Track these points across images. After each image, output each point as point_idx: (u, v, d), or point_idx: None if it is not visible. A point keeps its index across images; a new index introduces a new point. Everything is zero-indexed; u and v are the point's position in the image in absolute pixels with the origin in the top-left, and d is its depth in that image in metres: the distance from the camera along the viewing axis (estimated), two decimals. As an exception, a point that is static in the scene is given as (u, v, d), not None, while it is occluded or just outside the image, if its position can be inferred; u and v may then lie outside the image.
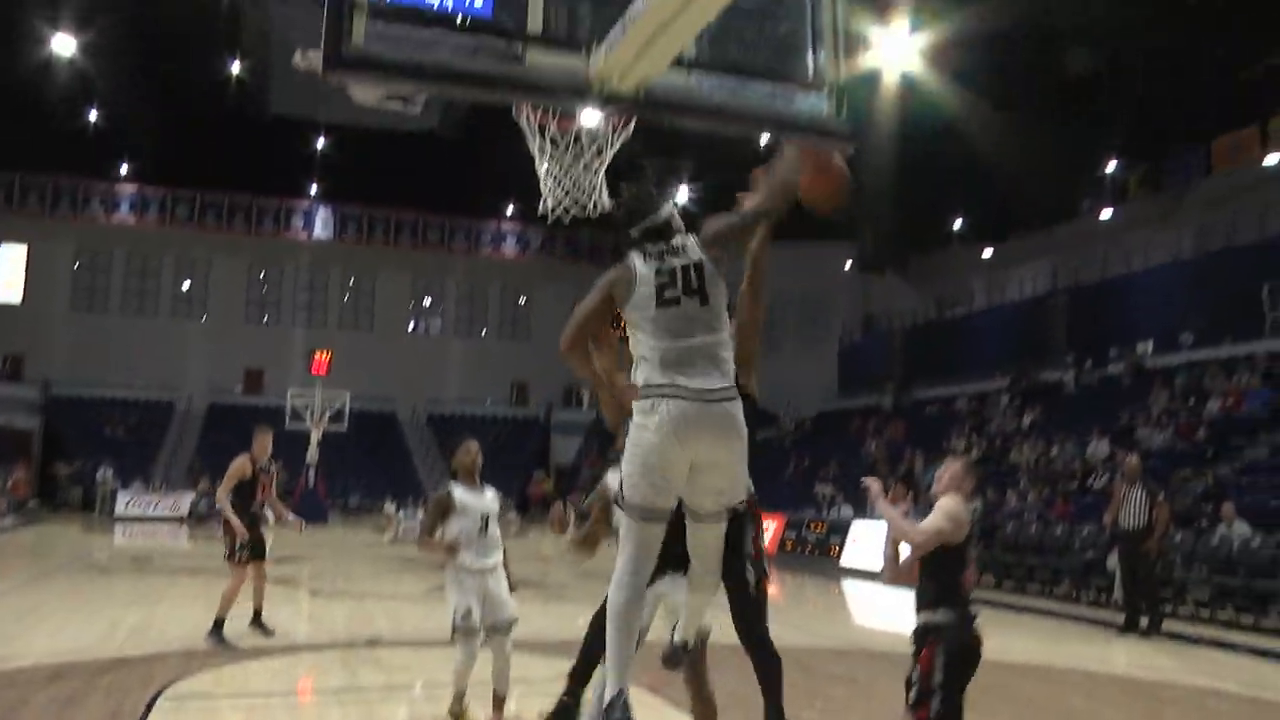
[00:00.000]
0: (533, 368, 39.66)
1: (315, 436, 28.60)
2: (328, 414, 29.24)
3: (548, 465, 38.11)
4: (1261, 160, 24.93)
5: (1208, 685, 8.26)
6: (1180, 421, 18.79)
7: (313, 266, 38.90)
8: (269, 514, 9.11)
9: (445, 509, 5.75)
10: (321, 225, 38.65)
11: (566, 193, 6.29)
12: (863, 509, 21.01)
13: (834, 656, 9.05)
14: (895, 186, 27.66)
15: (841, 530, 19.71)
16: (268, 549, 9.04)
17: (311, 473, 27.90)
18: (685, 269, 3.39)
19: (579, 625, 4.58)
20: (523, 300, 41.61)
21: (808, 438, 33.68)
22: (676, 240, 3.47)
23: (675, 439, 3.25)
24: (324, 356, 30.85)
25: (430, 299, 41.23)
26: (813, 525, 20.82)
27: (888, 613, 14.17)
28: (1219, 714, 7.38)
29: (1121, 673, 8.93)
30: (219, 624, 8.31)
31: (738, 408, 3.35)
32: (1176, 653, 10.18)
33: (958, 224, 34.71)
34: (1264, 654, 10.19)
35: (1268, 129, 24.59)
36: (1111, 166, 29.28)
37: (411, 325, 40.87)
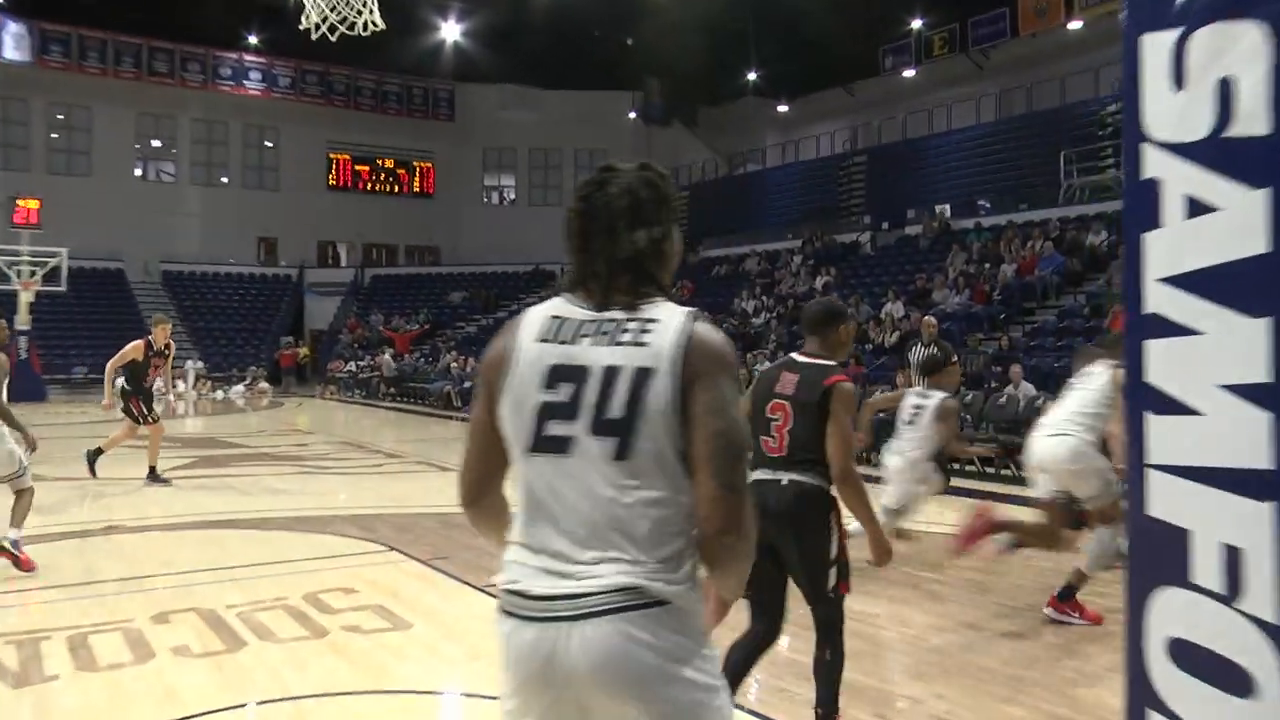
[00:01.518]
0: (282, 222, 37.36)
1: (25, 299, 25.75)
2: (40, 273, 26.30)
3: (301, 330, 36.23)
4: (1065, 24, 25.85)
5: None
6: (976, 285, 19.52)
7: (4, 97, 34.37)
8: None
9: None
10: (13, 44, 33.82)
11: (333, 7, 5.19)
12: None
13: None
14: (683, 32, 27.02)
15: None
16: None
17: (23, 342, 25.12)
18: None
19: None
20: (269, 145, 38.65)
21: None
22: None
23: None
24: (30, 205, 27.59)
25: (160, 141, 37.51)
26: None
27: None
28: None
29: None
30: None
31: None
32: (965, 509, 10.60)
33: (752, 76, 34.53)
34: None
35: (1071, -7, 25.48)
36: (916, 25, 29.68)
37: (139, 170, 37.19)
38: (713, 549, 1.89)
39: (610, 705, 1.86)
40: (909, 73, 30.50)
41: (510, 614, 1.92)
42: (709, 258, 31.68)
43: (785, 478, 3.87)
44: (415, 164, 40.26)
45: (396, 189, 40.19)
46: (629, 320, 1.95)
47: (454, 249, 39.90)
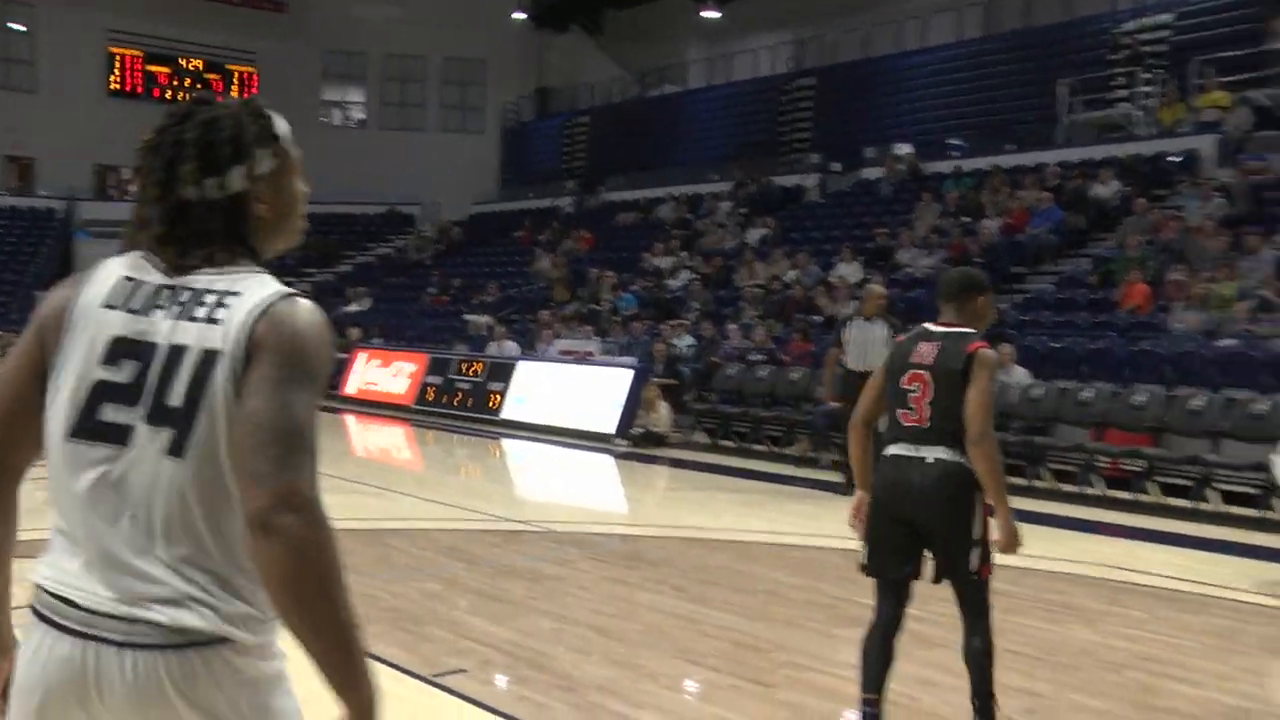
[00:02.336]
0: (42, 137, 35.52)
1: None
2: None
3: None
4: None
5: None
6: (952, 243, 19.26)
7: None
8: None
9: None
10: None
11: None
12: (532, 345, 20.38)
13: (505, 540, 9.25)
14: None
15: (504, 374, 18.97)
16: None
17: None
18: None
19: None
20: (20, 29, 36.72)
21: (456, 249, 32.72)
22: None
23: None
24: None
25: None
26: (465, 367, 19.96)
27: (566, 480, 13.86)
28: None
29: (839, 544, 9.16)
30: None
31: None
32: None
33: (672, -28, 33.96)
34: (1034, 518, 10.52)
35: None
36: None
37: None
38: (257, 560, 1.87)
39: None
40: (871, -25, 30.27)
41: (46, 620, 1.95)
42: (612, 201, 31.14)
43: (930, 455, 4.54)
44: (231, 68, 38.70)
45: (204, 99, 38.66)
46: (208, 292, 1.98)
47: (279, 180, 38.49)
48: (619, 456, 15.15)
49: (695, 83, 34.40)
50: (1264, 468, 10.67)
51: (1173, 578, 8.39)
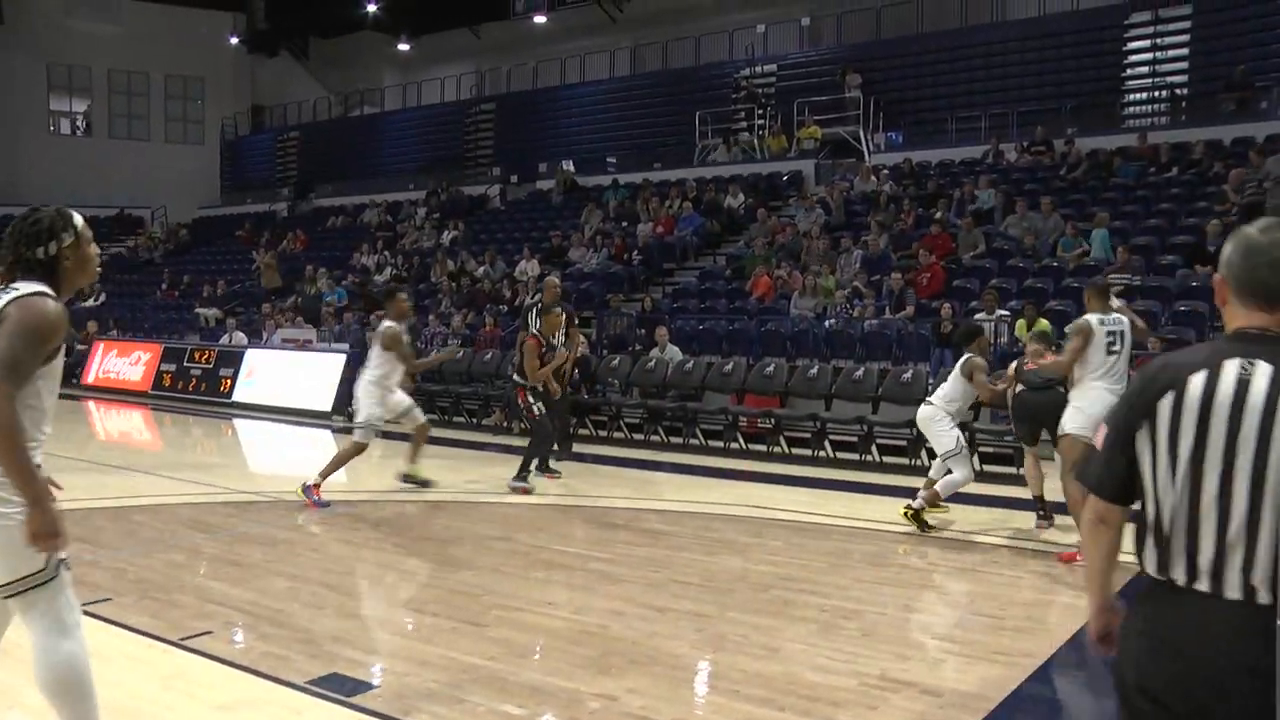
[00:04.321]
0: None
1: None
2: None
3: None
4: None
5: (626, 505, 9.14)
6: (615, 244, 19.55)
7: None
8: None
9: None
10: None
11: None
12: (258, 334, 19.45)
13: (240, 510, 8.75)
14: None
15: (233, 361, 17.98)
16: None
17: None
18: None
19: None
20: None
21: (184, 249, 30.67)
22: None
23: None
24: None
25: None
26: (198, 355, 18.77)
27: (292, 454, 13.38)
28: (616, 525, 8.29)
29: (546, 500, 9.31)
30: None
31: None
32: (606, 475, 10.91)
33: (371, 8, 32.89)
34: (690, 470, 11.18)
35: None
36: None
37: None
38: None
39: None
40: (540, 18, 30.31)
41: None
42: (323, 207, 30.02)
43: None
44: (-49, 79, 34.68)
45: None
46: (7, 291, 3.11)
47: (13, 185, 34.73)
48: (336, 431, 14.63)
49: (392, 105, 33.53)
50: (862, 420, 11.42)
51: (802, 512, 8.68)
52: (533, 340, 9.73)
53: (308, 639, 5.11)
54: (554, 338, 10.10)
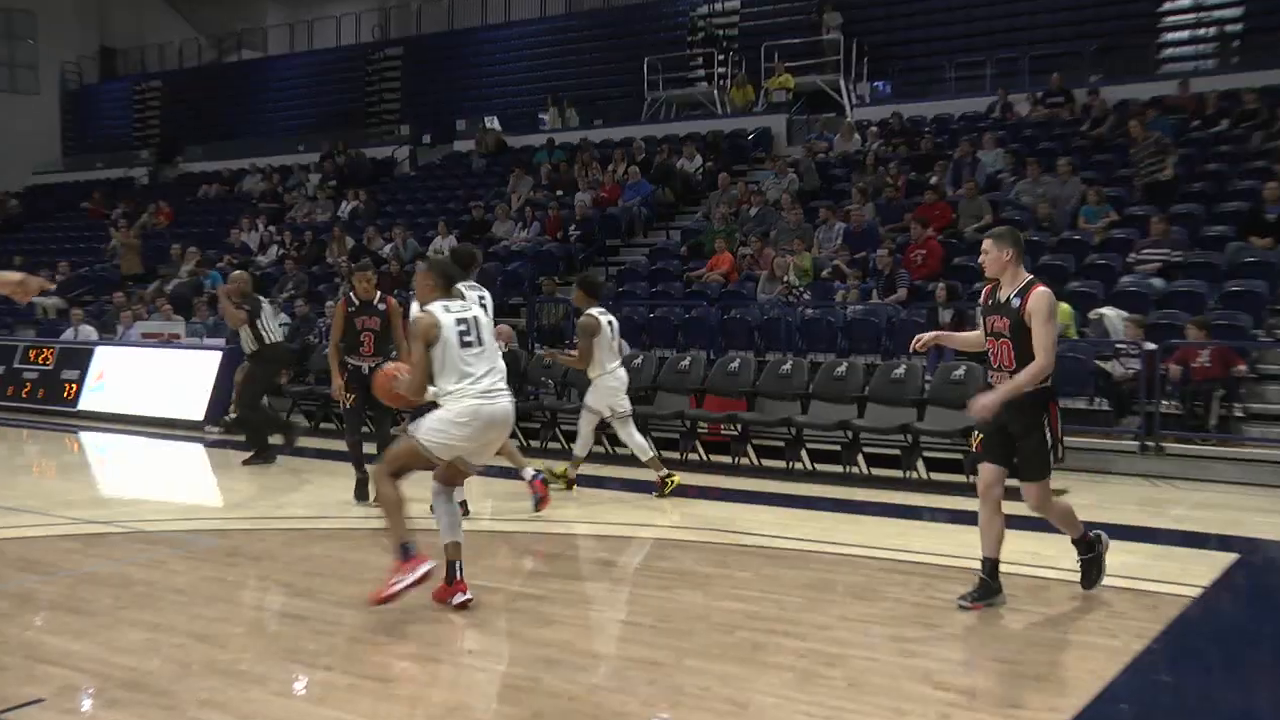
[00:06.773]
0: None
1: None
2: None
3: None
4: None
5: (562, 530, 9.25)
6: (548, 216, 19.46)
7: None
8: None
9: None
10: None
11: None
12: (111, 329, 19.14)
13: (87, 544, 8.48)
14: None
15: (79, 361, 17.69)
16: None
17: None
18: None
19: None
20: None
21: (14, 223, 30.28)
22: None
23: None
24: None
25: None
26: (33, 354, 18.42)
27: (154, 474, 13.14)
28: (550, 553, 8.51)
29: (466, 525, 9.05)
30: None
31: None
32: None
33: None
34: (638, 487, 11.02)
35: None
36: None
37: None
38: None
39: None
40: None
41: None
42: (192, 173, 29.85)
43: None
44: None
45: None
46: None
47: None
48: (210, 445, 14.35)
49: (276, 49, 33.43)
50: (845, 426, 11.39)
51: (774, 536, 8.64)
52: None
53: (170, 705, 4.92)
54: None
